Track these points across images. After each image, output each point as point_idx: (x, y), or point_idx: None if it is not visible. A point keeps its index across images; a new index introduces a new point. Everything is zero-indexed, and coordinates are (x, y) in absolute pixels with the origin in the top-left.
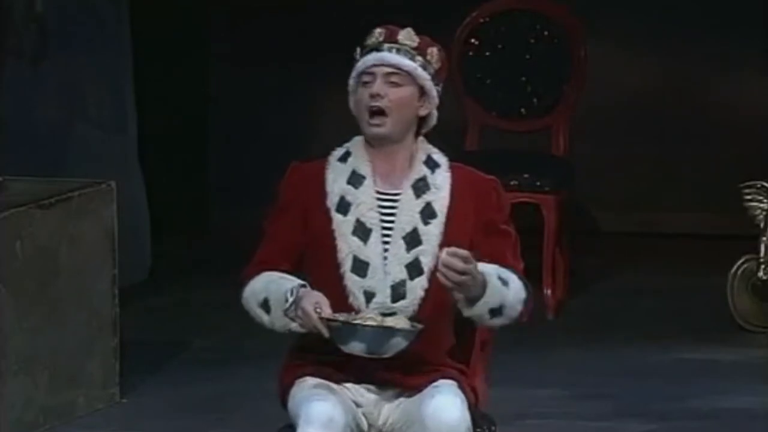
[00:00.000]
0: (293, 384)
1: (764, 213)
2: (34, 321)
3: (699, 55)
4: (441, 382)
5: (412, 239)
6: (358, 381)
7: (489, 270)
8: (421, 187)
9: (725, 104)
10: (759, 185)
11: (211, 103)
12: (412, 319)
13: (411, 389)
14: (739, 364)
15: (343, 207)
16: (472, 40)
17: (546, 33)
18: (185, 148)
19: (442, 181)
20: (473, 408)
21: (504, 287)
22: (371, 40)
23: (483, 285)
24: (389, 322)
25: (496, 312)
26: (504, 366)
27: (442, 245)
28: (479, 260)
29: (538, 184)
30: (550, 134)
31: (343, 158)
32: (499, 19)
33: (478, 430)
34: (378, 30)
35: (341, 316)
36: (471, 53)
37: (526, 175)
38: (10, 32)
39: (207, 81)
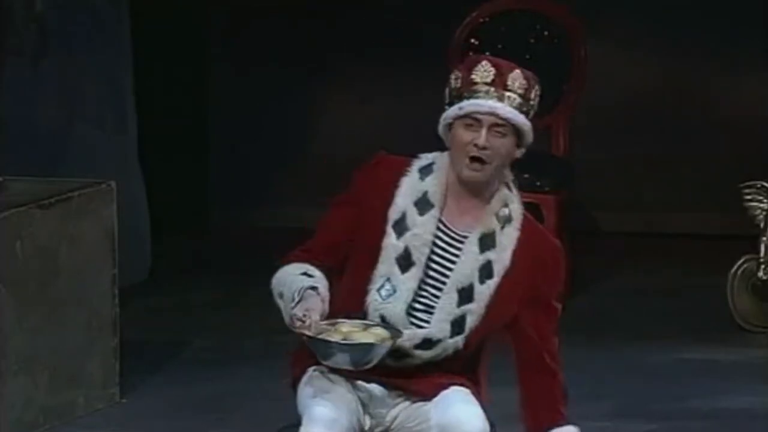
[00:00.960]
0: (304, 372)
1: (764, 213)
2: (34, 321)
3: (699, 55)
4: (453, 389)
5: (466, 295)
6: (367, 380)
7: None
8: (487, 243)
9: (725, 104)
10: (759, 185)
11: (211, 103)
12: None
13: (418, 394)
14: (739, 364)
15: (400, 228)
16: (472, 40)
17: (546, 33)
18: (185, 148)
19: (508, 241)
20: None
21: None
22: (480, 79)
23: None
24: (366, 335)
25: None
26: (504, 366)
27: (489, 306)
28: (521, 330)
29: (538, 184)
30: (550, 134)
31: (424, 172)
32: (499, 19)
33: None
34: (488, 67)
35: (321, 324)
36: (471, 53)
37: (526, 175)
38: (10, 32)
39: (207, 81)
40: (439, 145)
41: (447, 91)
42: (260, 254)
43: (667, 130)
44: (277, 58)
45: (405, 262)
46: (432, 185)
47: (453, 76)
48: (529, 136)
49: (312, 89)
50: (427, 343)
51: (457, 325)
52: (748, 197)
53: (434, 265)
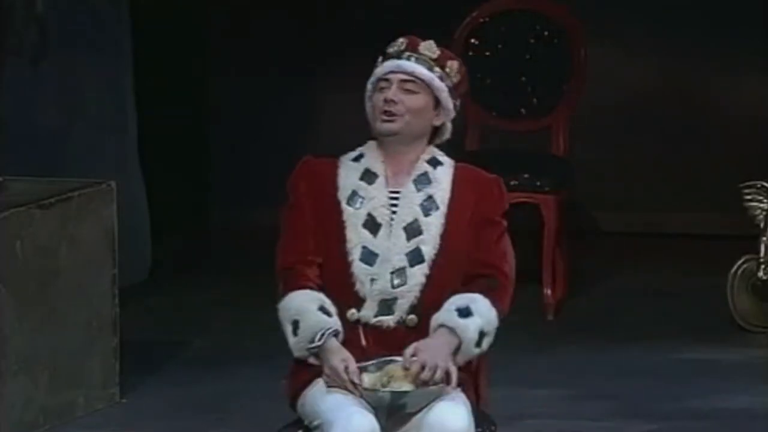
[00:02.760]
0: (309, 384)
1: (764, 213)
2: (34, 321)
3: (699, 55)
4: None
5: (413, 230)
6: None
7: (447, 317)
8: (422, 181)
9: (725, 104)
10: (759, 185)
11: (211, 103)
12: (414, 308)
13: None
14: (739, 364)
15: (354, 200)
16: (472, 40)
17: (546, 33)
18: (185, 148)
19: (443, 176)
20: (476, 409)
21: (469, 318)
22: (393, 49)
23: (454, 335)
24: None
25: (481, 341)
26: (504, 366)
27: (443, 235)
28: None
29: (538, 184)
30: (550, 134)
31: (356, 159)
32: (499, 19)
33: (479, 430)
34: (401, 39)
35: (369, 367)
36: (471, 53)
37: (526, 175)
38: (10, 32)
39: (207, 81)
40: (436, 145)
41: None
42: (260, 254)
43: (667, 131)
44: (277, 58)
45: (372, 225)
46: (369, 162)
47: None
48: (448, 105)
49: (312, 89)
50: (396, 276)
51: (414, 255)
52: (748, 197)
53: (392, 225)
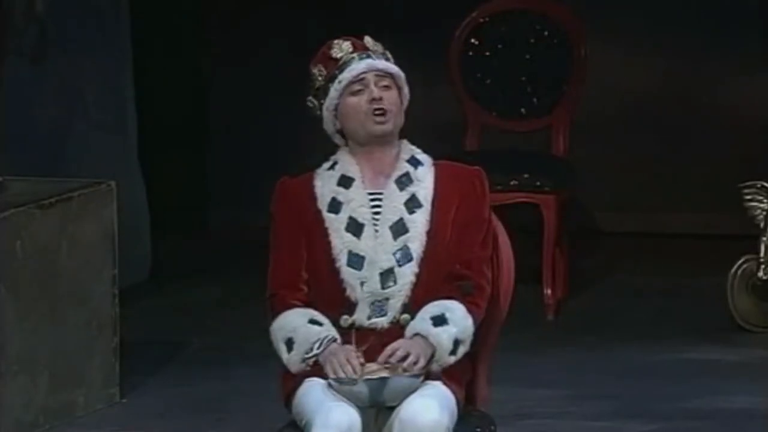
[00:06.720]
0: (300, 383)
1: (764, 213)
2: (34, 321)
3: (699, 55)
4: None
5: (399, 228)
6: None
7: (421, 326)
8: (404, 181)
9: (725, 104)
10: (759, 185)
11: (210, 102)
12: (406, 306)
13: None
14: (739, 364)
15: (335, 206)
16: (472, 40)
17: (546, 33)
18: (185, 148)
19: (425, 174)
20: (464, 405)
21: (444, 327)
22: (342, 53)
23: (428, 344)
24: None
25: (456, 349)
26: (504, 366)
27: (429, 233)
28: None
29: (538, 184)
30: (550, 134)
31: (331, 167)
32: (499, 19)
33: (478, 430)
34: (340, 42)
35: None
36: (471, 53)
37: (526, 175)
38: (10, 32)
39: (207, 80)
40: (438, 144)
41: (315, 88)
42: (260, 254)
43: (668, 130)
44: (276, 59)
45: (355, 228)
46: (344, 168)
47: (316, 71)
48: (406, 87)
49: None
50: (383, 278)
51: (402, 254)
52: (748, 197)
53: (377, 227)
